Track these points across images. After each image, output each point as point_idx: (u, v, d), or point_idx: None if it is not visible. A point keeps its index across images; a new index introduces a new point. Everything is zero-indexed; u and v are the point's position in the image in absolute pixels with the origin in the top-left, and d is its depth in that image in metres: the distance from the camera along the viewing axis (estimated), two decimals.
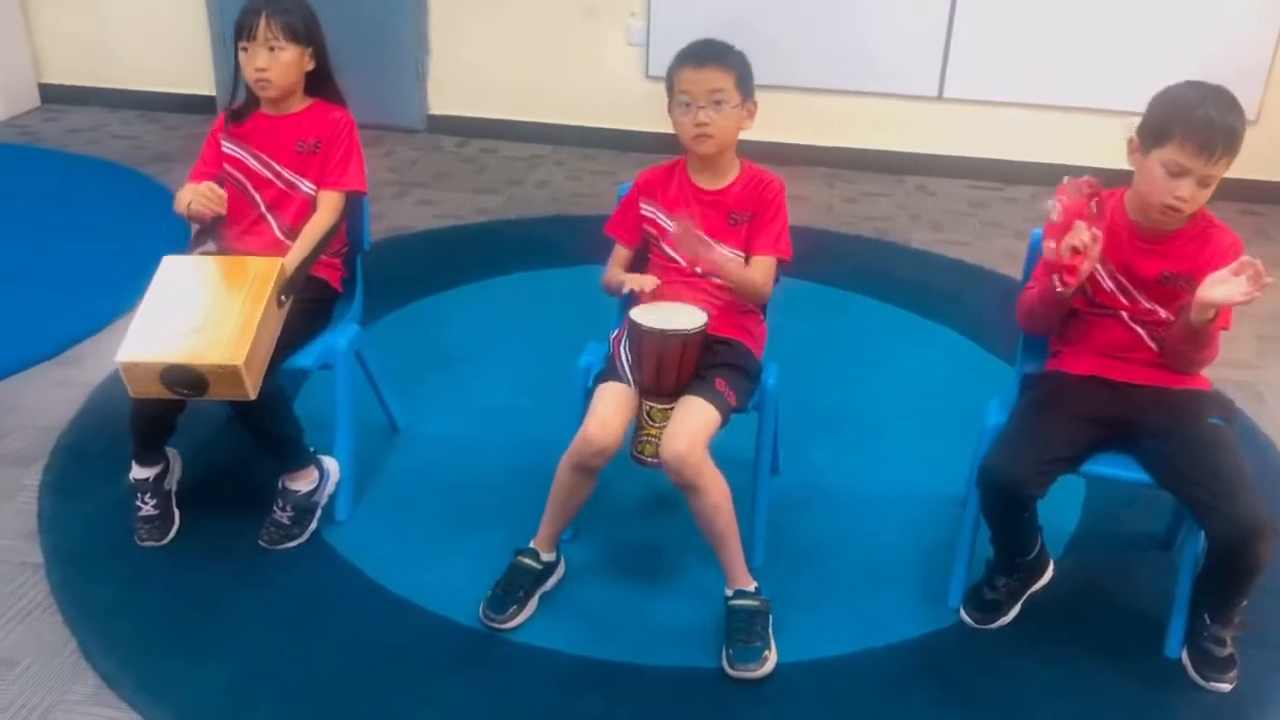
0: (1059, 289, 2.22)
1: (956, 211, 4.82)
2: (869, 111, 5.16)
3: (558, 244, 4.29)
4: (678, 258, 2.50)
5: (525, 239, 4.44)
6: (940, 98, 5.06)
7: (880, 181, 5.11)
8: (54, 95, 5.83)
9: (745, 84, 2.44)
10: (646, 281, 2.42)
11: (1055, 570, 2.48)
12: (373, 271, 4.03)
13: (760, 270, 2.46)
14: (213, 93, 5.50)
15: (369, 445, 2.94)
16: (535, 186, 5.00)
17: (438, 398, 3.24)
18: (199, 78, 5.58)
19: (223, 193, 2.54)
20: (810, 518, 2.80)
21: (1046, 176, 5.25)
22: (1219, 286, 2.13)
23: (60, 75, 5.83)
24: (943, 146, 5.15)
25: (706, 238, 2.39)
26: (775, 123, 5.12)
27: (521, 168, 5.21)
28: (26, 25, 5.69)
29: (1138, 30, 4.73)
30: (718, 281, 2.48)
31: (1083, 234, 2.17)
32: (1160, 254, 2.31)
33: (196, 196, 2.48)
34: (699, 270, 2.47)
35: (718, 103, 2.39)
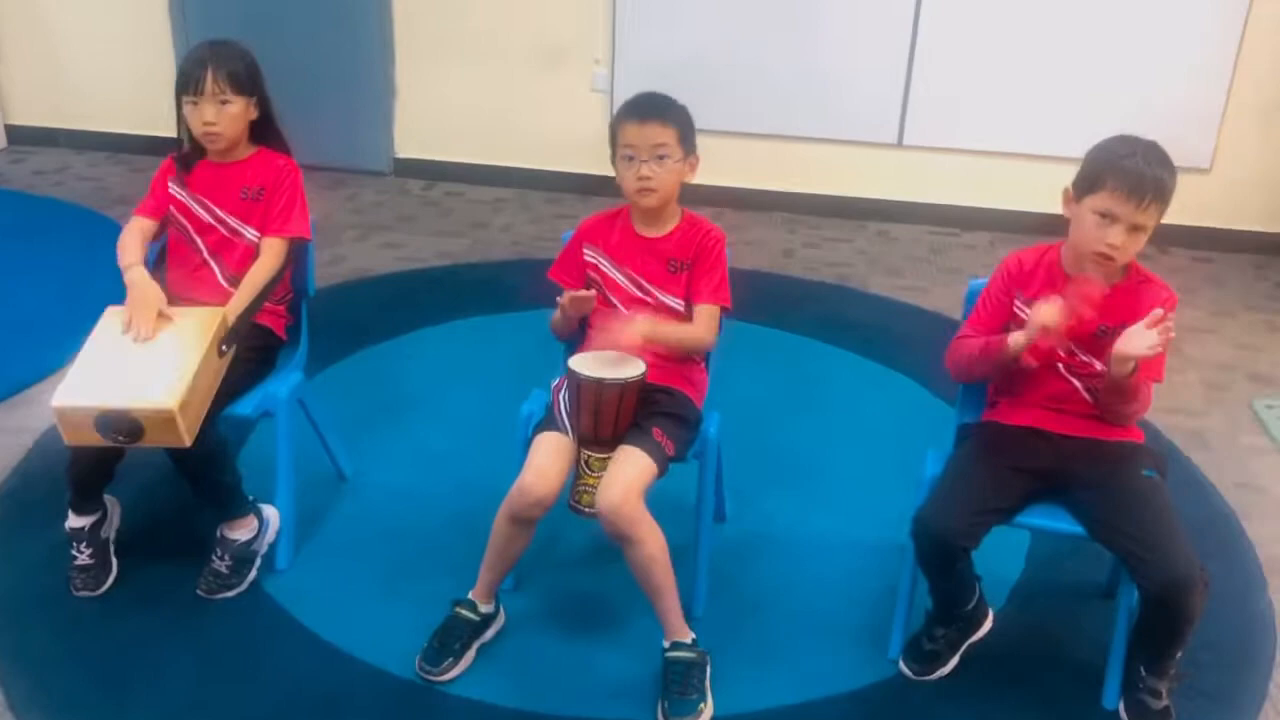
0: (1024, 363, 2.26)
1: (916, 257, 4.86)
2: (830, 158, 5.21)
3: (518, 287, 4.29)
4: (618, 304, 2.51)
5: (486, 282, 4.45)
6: (900, 144, 5.11)
7: (841, 227, 5.15)
8: (21, 137, 5.84)
9: (687, 139, 2.47)
10: (583, 299, 2.42)
11: (996, 620, 2.48)
12: (330, 314, 4.05)
13: (702, 320, 2.48)
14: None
15: (315, 494, 2.93)
16: (499, 230, 5.02)
17: (387, 445, 3.23)
18: (165, 119, 5.54)
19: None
20: (755, 566, 2.80)
21: (1004, 223, 5.36)
22: (1133, 339, 2.16)
23: (27, 117, 5.84)
24: (903, 193, 5.20)
25: (650, 324, 2.39)
26: (738, 168, 5.21)
27: (486, 211, 5.23)
28: None
29: (1092, 80, 4.81)
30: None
31: (1052, 312, 2.19)
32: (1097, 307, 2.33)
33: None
34: (639, 318, 2.48)
35: (660, 157, 2.41)
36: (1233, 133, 4.85)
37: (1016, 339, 2.25)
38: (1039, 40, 4.84)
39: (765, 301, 4.25)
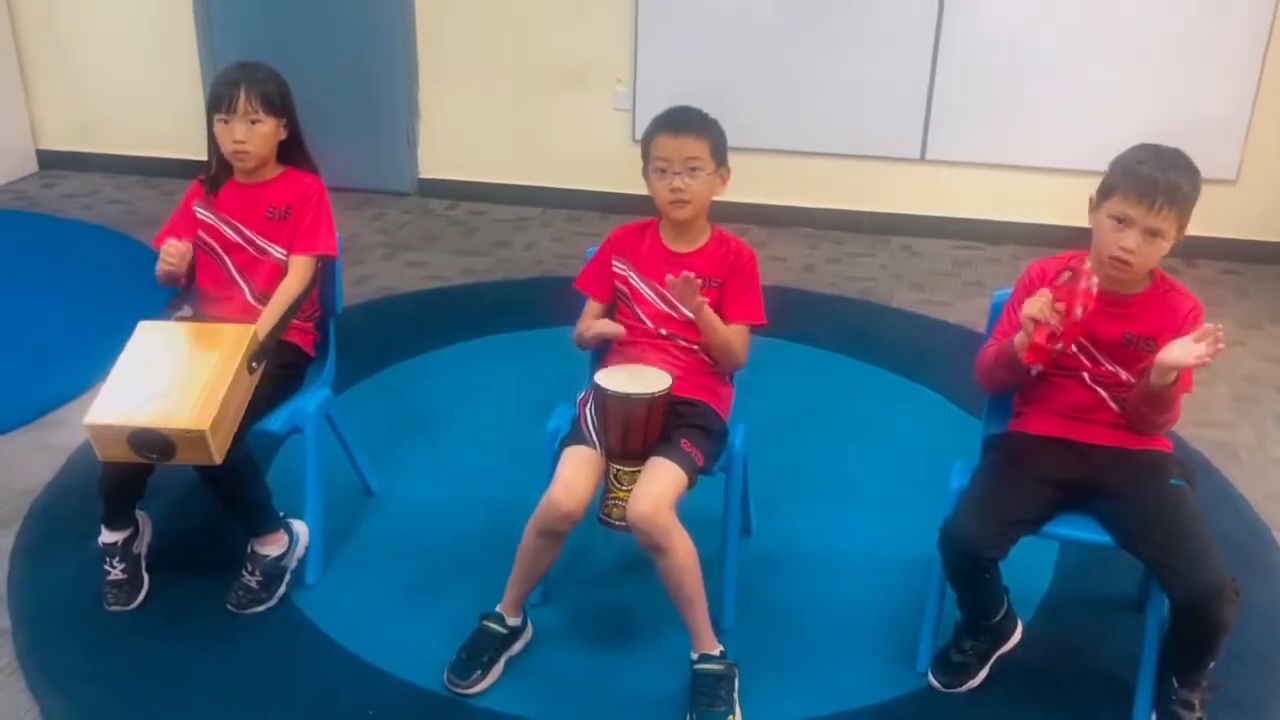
0: (1029, 368, 2.25)
1: (939, 272, 4.86)
2: (853, 173, 5.22)
3: (541, 304, 4.32)
4: (645, 319, 2.53)
5: (509, 300, 4.48)
6: (923, 159, 5.11)
7: (865, 242, 5.15)
8: (52, 161, 5.93)
9: (719, 152, 2.49)
10: (612, 329, 2.45)
11: (1025, 632, 2.47)
12: (357, 332, 4.10)
13: (739, 336, 2.50)
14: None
15: (342, 508, 2.95)
16: (522, 248, 5.05)
17: (415, 460, 3.25)
18: (193, 142, 5.62)
19: (183, 246, 2.59)
20: (782, 579, 2.80)
21: (1028, 236, 5.35)
22: (1178, 349, 2.14)
23: (58, 141, 5.93)
24: (926, 207, 5.20)
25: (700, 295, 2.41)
26: (761, 185, 5.22)
27: (509, 230, 5.27)
28: (25, 92, 5.80)
29: (1116, 93, 4.80)
30: (683, 344, 2.50)
31: (1039, 304, 2.18)
32: (1122, 316, 2.33)
33: (160, 259, 2.52)
34: (664, 332, 2.50)
35: (693, 169, 2.43)
36: (1258, 145, 4.83)
37: (1018, 337, 2.24)
38: (1061, 54, 4.84)
39: (788, 316, 4.23)
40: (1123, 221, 2.22)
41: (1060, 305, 2.19)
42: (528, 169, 5.53)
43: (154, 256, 2.63)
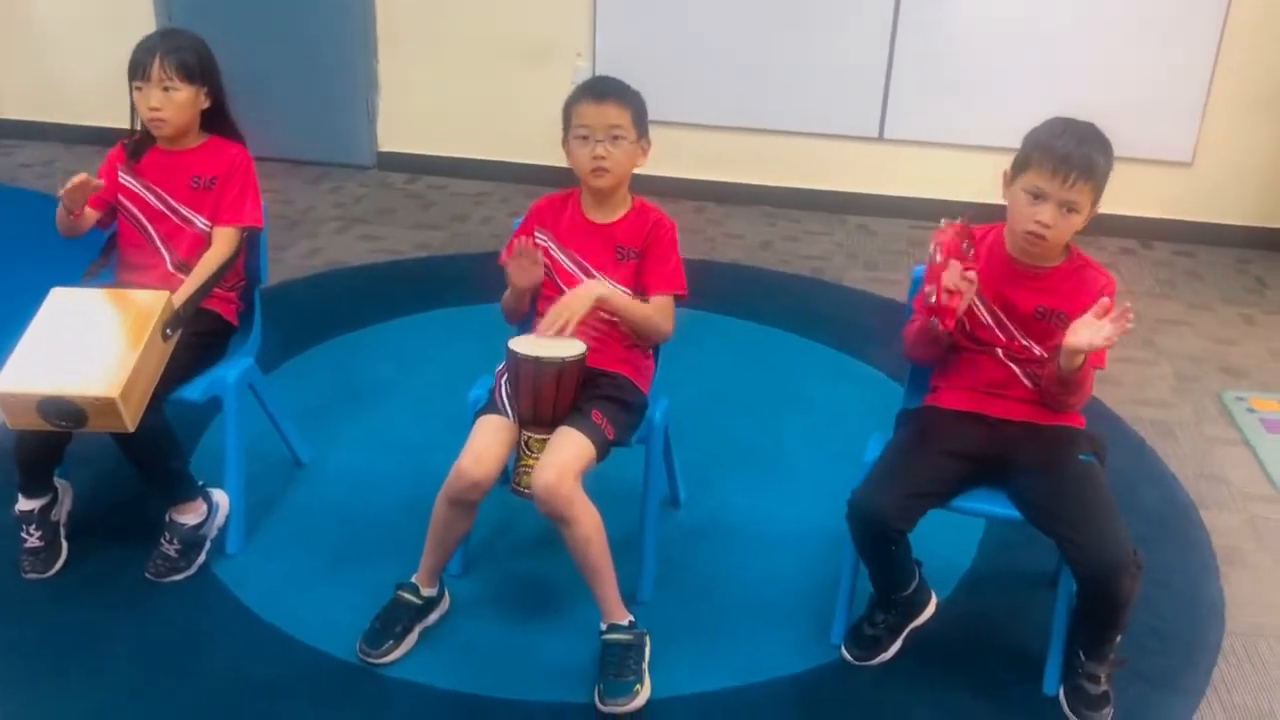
0: (939, 330, 2.24)
1: (894, 251, 4.85)
2: (811, 152, 5.20)
3: (493, 278, 4.22)
4: (565, 289, 2.51)
5: (461, 274, 4.46)
6: (881, 138, 5.10)
7: (822, 221, 5.14)
8: (9, 130, 5.88)
9: (641, 122, 2.48)
10: (531, 252, 2.43)
11: (942, 606, 2.48)
12: (301, 304, 4.09)
13: (660, 310, 2.48)
14: None
15: (271, 479, 2.95)
16: (479, 223, 5.03)
17: (350, 432, 3.25)
18: None
19: (87, 181, 2.50)
20: (707, 551, 2.80)
21: (985, 216, 5.29)
22: (1083, 331, 2.15)
23: (15, 111, 5.88)
24: (883, 186, 5.19)
25: (605, 286, 2.40)
26: (720, 162, 5.21)
27: (468, 204, 5.24)
28: None
29: (1073, 74, 4.79)
30: (604, 315, 2.49)
31: (955, 274, 2.19)
32: (1036, 289, 2.33)
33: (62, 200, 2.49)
34: (595, 280, 2.48)
35: (616, 138, 2.42)
36: (1214, 128, 4.82)
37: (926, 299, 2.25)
38: (1019, 34, 4.83)
39: (738, 293, 4.26)
40: (1038, 196, 2.22)
41: (970, 273, 2.20)
42: (488, 144, 5.50)
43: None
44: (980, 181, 5.10)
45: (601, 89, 2.46)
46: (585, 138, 2.43)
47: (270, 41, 5.38)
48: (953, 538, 2.74)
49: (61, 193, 2.48)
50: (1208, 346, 4.04)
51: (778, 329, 4.04)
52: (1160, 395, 3.65)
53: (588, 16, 5.15)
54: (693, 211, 4.97)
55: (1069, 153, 2.18)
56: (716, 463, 3.12)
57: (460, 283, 4.36)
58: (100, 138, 5.75)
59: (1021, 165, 2.26)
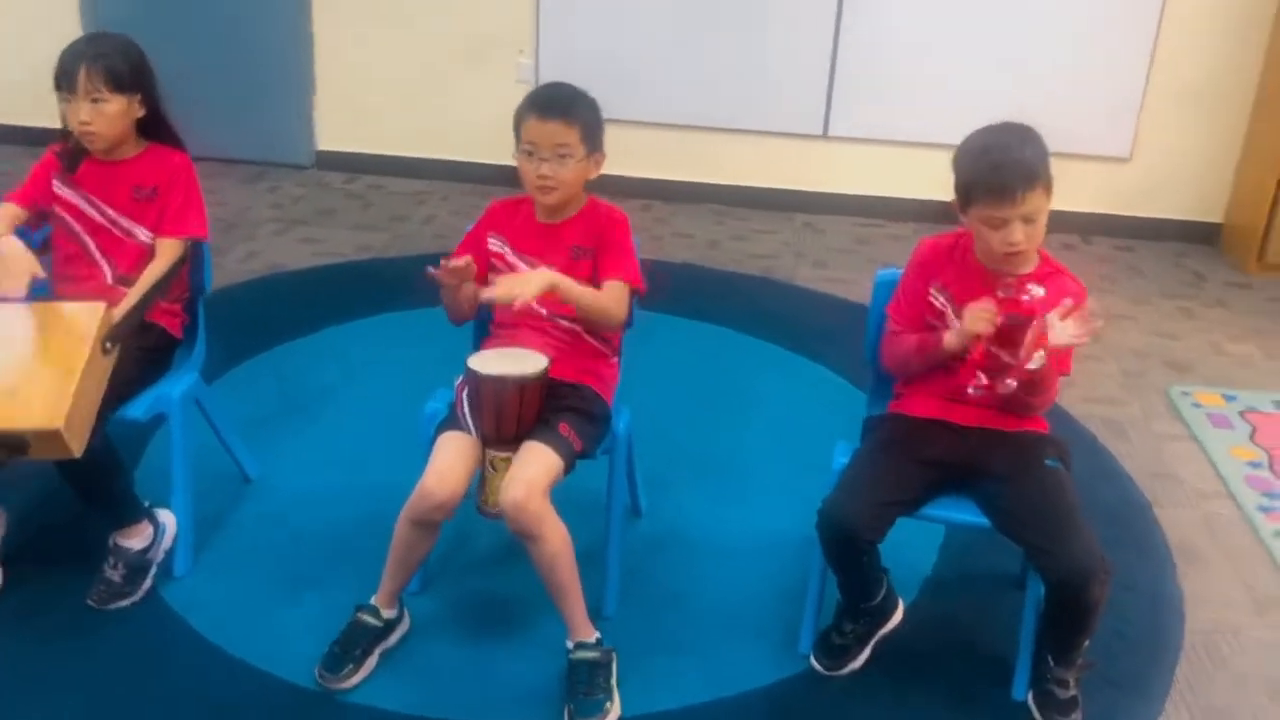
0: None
1: (842, 249, 4.85)
2: (758, 149, 5.19)
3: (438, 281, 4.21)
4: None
5: (405, 276, 4.34)
6: (826, 136, 5.10)
7: (769, 219, 5.13)
8: None
9: (592, 137, 2.39)
10: (461, 269, 2.33)
11: (908, 612, 2.47)
12: (241, 311, 3.97)
13: (611, 295, 2.38)
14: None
15: (218, 497, 2.85)
16: (421, 223, 4.94)
17: (297, 445, 3.15)
18: None
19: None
20: (670, 562, 2.76)
21: (929, 213, 5.35)
22: (1049, 332, 2.13)
23: None
24: (829, 184, 5.19)
25: (555, 275, 2.30)
26: (665, 160, 5.17)
27: (408, 204, 5.14)
28: None
29: (1013, 70, 4.82)
30: (565, 324, 2.44)
31: (983, 320, 2.16)
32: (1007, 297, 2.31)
33: None
34: (544, 312, 2.42)
35: (562, 157, 2.35)
36: (1151, 122, 4.90)
37: (950, 342, 2.24)
38: (961, 31, 4.86)
39: (688, 294, 4.22)
40: (998, 223, 2.20)
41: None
42: (428, 142, 5.40)
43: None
44: (924, 178, 5.16)
45: (547, 104, 2.37)
46: (530, 154, 2.36)
47: (204, 38, 5.22)
48: (914, 541, 2.72)
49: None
50: (1151, 341, 4.10)
51: (728, 329, 4.02)
52: (1110, 393, 3.69)
53: (530, 12, 5.07)
54: (640, 210, 4.93)
55: (1004, 177, 2.15)
56: (675, 468, 3.09)
57: (404, 286, 4.24)
58: (25, 137, 5.56)
59: (965, 198, 2.23)
